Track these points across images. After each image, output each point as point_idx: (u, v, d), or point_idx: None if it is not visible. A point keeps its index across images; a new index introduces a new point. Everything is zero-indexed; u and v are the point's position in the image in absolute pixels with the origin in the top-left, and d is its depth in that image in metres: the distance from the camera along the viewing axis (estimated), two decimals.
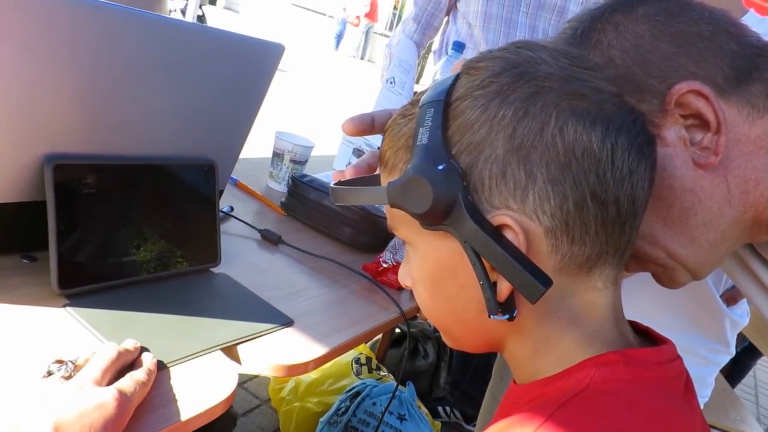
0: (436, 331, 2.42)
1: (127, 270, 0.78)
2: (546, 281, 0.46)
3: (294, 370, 0.76)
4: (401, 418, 1.85)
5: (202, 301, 0.82)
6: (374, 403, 1.85)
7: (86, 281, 0.73)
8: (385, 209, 0.55)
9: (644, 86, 0.56)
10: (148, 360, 0.63)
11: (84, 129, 0.73)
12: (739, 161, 0.56)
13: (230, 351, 0.74)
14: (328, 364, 2.03)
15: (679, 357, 0.54)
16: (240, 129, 0.92)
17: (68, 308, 0.70)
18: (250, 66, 0.87)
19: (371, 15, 15.87)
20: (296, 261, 1.04)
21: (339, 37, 15.98)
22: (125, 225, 0.77)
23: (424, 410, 2.00)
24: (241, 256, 0.99)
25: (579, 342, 0.50)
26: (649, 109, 0.56)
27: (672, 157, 0.56)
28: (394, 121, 0.54)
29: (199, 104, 0.85)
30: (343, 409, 1.84)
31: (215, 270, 0.90)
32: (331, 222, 1.16)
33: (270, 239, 1.07)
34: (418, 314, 1.01)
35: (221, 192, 0.97)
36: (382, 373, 2.05)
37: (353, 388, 1.90)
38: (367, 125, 0.66)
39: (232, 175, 1.30)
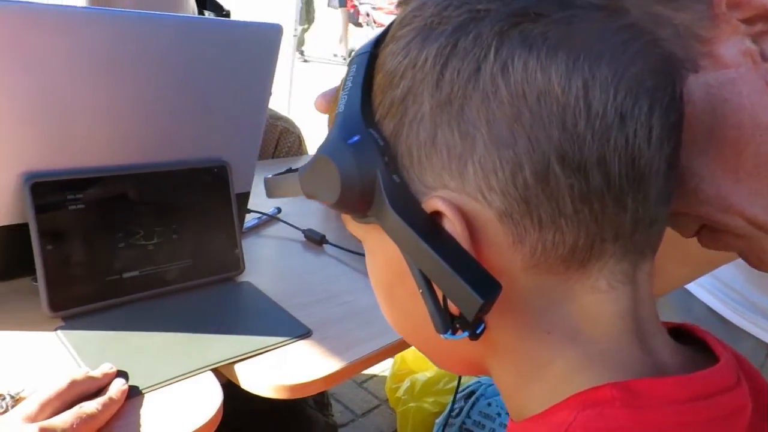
0: None
1: (128, 287, 0.74)
2: (486, 290, 0.32)
3: (297, 390, 0.67)
4: None
5: (210, 315, 0.75)
6: (489, 404, 1.70)
7: (80, 302, 0.70)
8: None
9: None
10: (113, 388, 0.58)
11: (69, 141, 0.70)
12: None
13: (227, 370, 0.67)
14: None
15: (738, 385, 0.36)
16: (251, 123, 0.85)
17: (59, 331, 0.67)
18: (248, 53, 0.79)
19: None
20: (340, 262, 0.95)
21: None
22: (124, 239, 0.73)
23: None
24: (280, 261, 0.92)
25: (577, 365, 0.35)
26: (691, 20, 0.39)
27: (736, 82, 0.38)
28: (339, 86, 0.43)
29: (199, 101, 0.79)
30: (457, 410, 1.72)
31: (240, 278, 0.84)
32: None
33: (314, 240, 0.99)
34: None
35: (246, 194, 0.91)
36: None
37: (467, 387, 1.78)
38: None
39: None
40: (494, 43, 0.32)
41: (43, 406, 0.52)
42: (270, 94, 0.84)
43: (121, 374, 0.61)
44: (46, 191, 0.68)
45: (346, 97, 0.37)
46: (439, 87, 0.33)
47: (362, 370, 0.75)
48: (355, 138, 0.35)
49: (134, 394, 0.60)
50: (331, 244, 0.99)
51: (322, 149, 0.37)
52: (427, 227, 0.34)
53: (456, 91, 0.32)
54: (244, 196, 0.90)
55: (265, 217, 1.02)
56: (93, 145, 0.72)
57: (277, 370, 0.68)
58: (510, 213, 0.33)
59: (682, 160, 0.39)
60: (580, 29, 0.32)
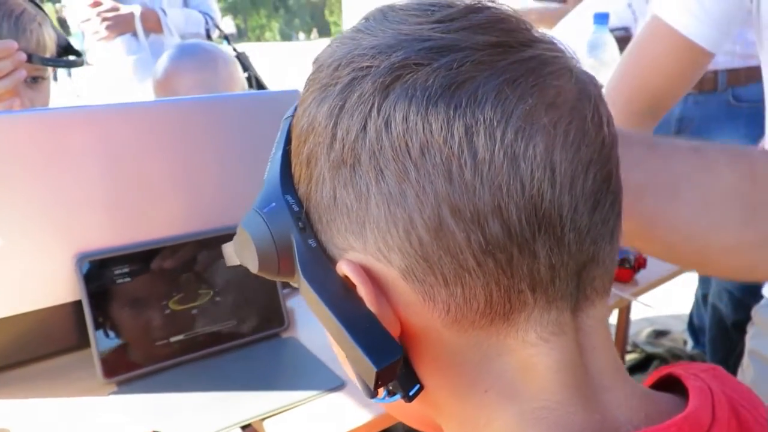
0: (697, 345, 2.02)
1: (176, 350, 0.79)
2: (382, 357, 0.32)
3: None
4: None
5: (250, 372, 0.79)
6: None
7: (131, 368, 0.76)
8: None
9: None
10: None
11: (117, 221, 0.78)
12: None
13: (258, 426, 0.70)
14: None
15: None
16: None
17: (111, 396, 0.73)
18: (270, 120, 0.84)
19: None
20: None
21: None
22: (169, 306, 0.80)
23: None
24: None
25: (514, 425, 0.34)
26: None
27: None
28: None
29: (235, 170, 0.85)
30: None
31: (286, 334, 0.87)
32: None
33: None
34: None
35: None
36: None
37: None
38: None
39: None
40: (377, 99, 0.32)
41: None
42: None
43: None
44: (96, 269, 0.76)
45: (270, 163, 0.39)
46: (333, 147, 0.33)
47: (393, 423, 0.74)
48: (271, 206, 0.37)
49: None
50: None
51: (242, 220, 0.38)
52: (338, 293, 0.34)
53: (347, 150, 0.33)
54: None
55: None
56: (136, 222, 0.80)
57: (305, 425, 0.69)
58: (412, 271, 0.32)
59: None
60: (463, 73, 0.31)
